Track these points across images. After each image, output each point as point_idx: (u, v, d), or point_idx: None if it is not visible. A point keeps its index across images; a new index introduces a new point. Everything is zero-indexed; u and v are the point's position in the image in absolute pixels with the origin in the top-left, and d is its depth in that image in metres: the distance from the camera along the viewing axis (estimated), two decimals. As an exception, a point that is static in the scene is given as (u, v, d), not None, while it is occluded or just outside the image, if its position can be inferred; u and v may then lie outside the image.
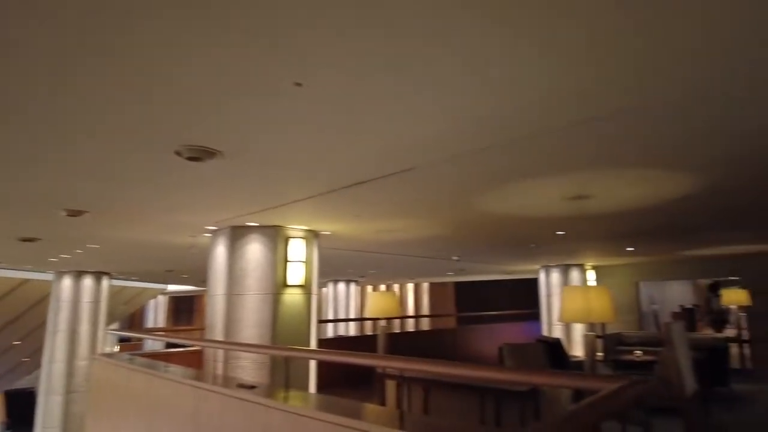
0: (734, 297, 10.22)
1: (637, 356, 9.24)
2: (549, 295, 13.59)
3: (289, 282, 6.33)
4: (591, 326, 13.19)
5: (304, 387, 6.33)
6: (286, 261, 6.34)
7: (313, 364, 6.68)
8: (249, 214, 5.63)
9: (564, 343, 13.64)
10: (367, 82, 2.39)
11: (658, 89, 2.50)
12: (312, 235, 6.69)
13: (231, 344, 5.85)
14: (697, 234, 7.87)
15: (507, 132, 3.08)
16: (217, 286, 6.32)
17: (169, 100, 2.59)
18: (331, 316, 20.04)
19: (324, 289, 21.30)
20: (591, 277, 13.70)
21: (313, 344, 6.78)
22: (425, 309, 25.20)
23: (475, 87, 2.46)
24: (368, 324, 24.98)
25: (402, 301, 26.26)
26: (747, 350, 10.78)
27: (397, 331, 21.28)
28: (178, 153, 3.29)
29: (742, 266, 11.97)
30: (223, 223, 6.23)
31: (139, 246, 8.30)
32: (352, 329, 21.08)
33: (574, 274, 13.30)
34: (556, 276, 13.47)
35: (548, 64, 2.22)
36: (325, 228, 6.61)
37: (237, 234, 6.28)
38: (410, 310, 25.71)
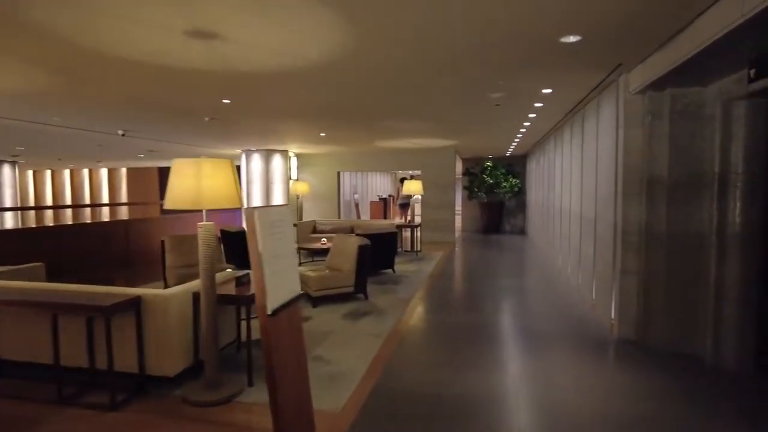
0: (413, 187, 11.00)
1: (323, 244, 9.07)
2: (249, 182, 12.57)
3: None
4: (296, 214, 12.89)
5: None
6: None
7: None
8: None
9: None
10: None
11: None
12: None
13: None
14: (377, 122, 7.60)
15: None
16: None
17: None
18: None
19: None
20: (294, 165, 13.16)
21: None
22: (124, 197, 21.63)
23: None
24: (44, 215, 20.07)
25: (94, 188, 21.91)
26: (419, 234, 12.10)
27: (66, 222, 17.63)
28: None
29: (422, 160, 13.09)
30: None
31: None
32: (9, 221, 16.40)
33: (277, 160, 12.50)
34: (257, 162, 12.44)
35: None
36: None
37: None
38: (105, 198, 21.73)
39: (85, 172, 21.82)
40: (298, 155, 13.42)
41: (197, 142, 10.71)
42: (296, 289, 2.52)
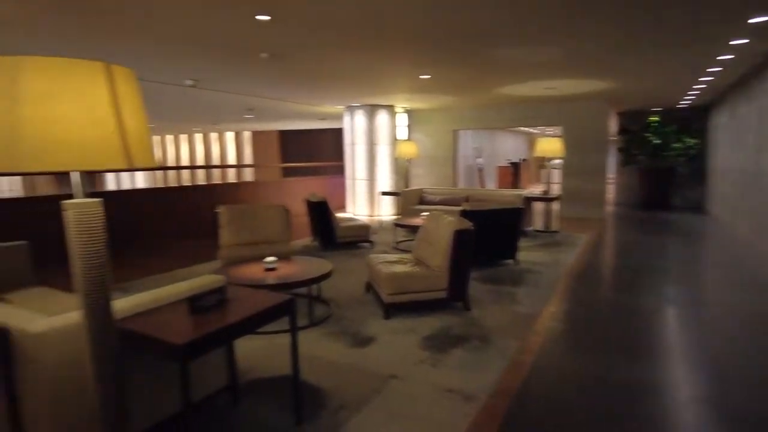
0: (547, 147, 8.41)
1: (423, 218, 7.12)
2: (353, 144, 10.98)
3: None
4: (403, 181, 11.09)
5: None
6: None
7: None
8: None
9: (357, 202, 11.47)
10: None
11: None
12: None
13: None
14: (489, 51, 5.23)
15: None
16: None
17: None
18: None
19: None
20: (403, 122, 11.22)
21: None
22: (248, 160, 21.81)
23: None
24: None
25: (222, 150, 22.43)
26: (557, 208, 9.53)
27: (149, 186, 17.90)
28: None
29: (562, 113, 10.24)
30: None
31: None
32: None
33: (382, 118, 10.69)
34: (361, 119, 10.76)
35: None
36: None
37: None
38: (231, 160, 22.15)
39: (214, 136, 22.40)
40: (408, 111, 11.45)
41: (288, 96, 9.30)
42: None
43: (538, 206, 9.26)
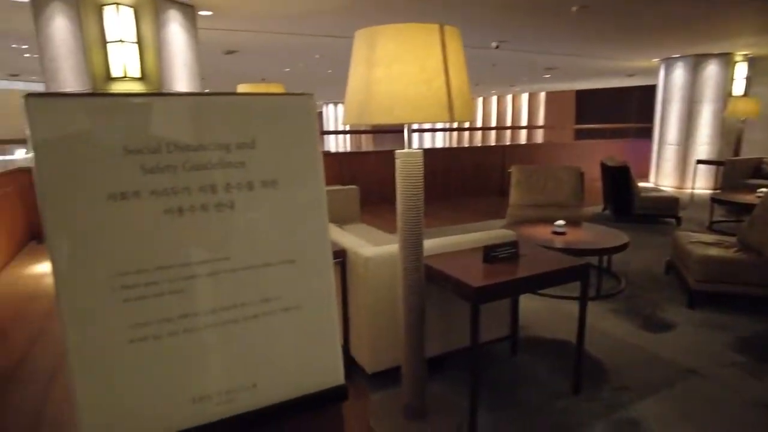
0: None
1: (759, 195, 5.75)
2: (665, 102, 9.51)
3: (115, 73, 4.34)
4: (731, 148, 9.08)
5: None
6: (104, 42, 4.28)
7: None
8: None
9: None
10: None
11: None
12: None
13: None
14: None
15: None
16: None
17: None
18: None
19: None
20: (741, 74, 9.00)
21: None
22: (541, 121, 21.31)
23: None
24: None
25: (515, 112, 22.48)
26: None
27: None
28: None
29: None
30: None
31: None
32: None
33: (711, 70, 8.87)
34: (680, 73, 9.17)
35: None
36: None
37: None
38: (524, 122, 22.04)
39: (509, 98, 22.60)
40: (749, 59, 9.09)
41: (594, 51, 8.58)
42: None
43: None
